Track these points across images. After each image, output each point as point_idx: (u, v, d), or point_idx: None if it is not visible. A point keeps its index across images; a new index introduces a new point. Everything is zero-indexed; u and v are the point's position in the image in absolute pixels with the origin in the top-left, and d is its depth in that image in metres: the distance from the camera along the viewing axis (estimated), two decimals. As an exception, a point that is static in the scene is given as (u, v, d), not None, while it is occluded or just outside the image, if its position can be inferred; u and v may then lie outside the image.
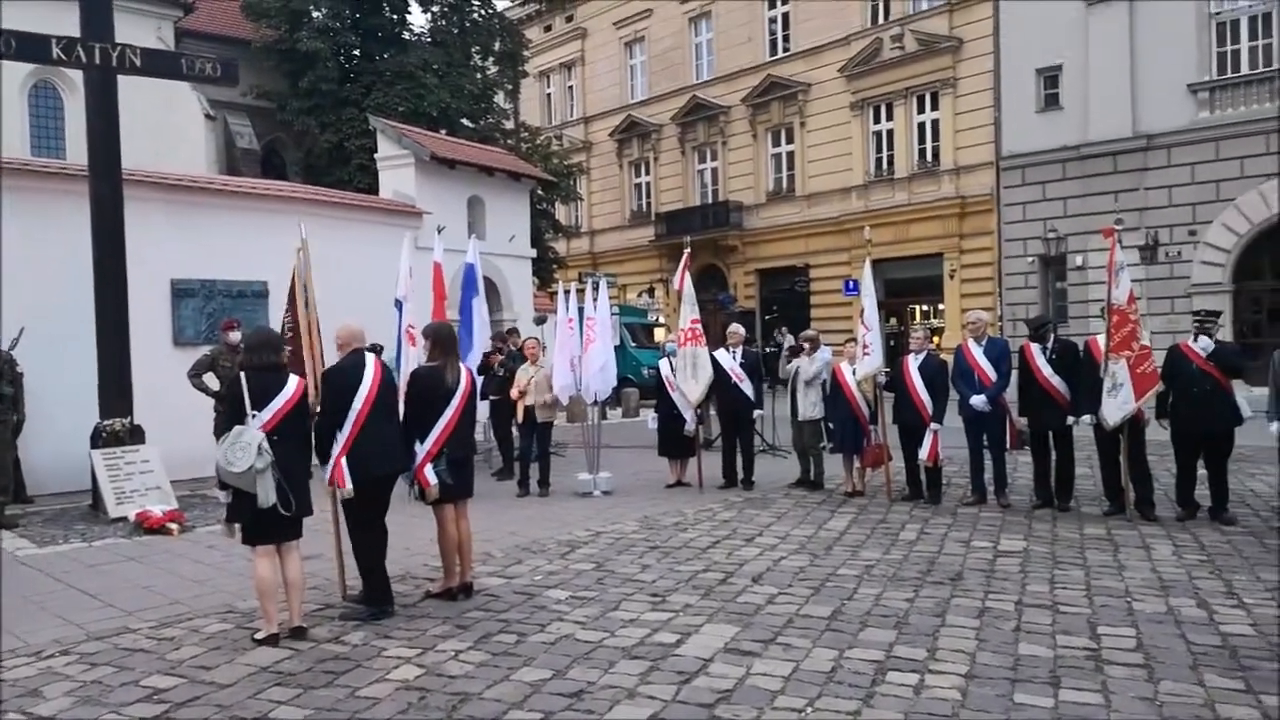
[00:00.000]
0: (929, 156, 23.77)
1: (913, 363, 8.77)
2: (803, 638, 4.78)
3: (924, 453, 8.63)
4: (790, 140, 26.93)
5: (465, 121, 21.97)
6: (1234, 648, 4.53)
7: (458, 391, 5.56)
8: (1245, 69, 18.58)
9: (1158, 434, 7.95)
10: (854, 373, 9.10)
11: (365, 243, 12.44)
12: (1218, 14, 18.87)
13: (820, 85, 25.64)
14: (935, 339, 22.09)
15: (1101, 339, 7.87)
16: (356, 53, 21.45)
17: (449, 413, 5.51)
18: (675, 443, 9.99)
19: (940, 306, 23.84)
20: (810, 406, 9.65)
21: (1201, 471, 7.77)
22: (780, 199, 27.15)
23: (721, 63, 28.43)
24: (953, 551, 6.72)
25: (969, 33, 22.47)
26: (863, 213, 23.89)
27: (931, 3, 23.43)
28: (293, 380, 5.00)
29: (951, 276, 23.19)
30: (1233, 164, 18.48)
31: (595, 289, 10.38)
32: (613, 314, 15.86)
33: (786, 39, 26.79)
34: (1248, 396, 7.73)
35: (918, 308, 24.89)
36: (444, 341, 5.75)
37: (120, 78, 8.95)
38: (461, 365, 5.77)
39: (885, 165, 24.64)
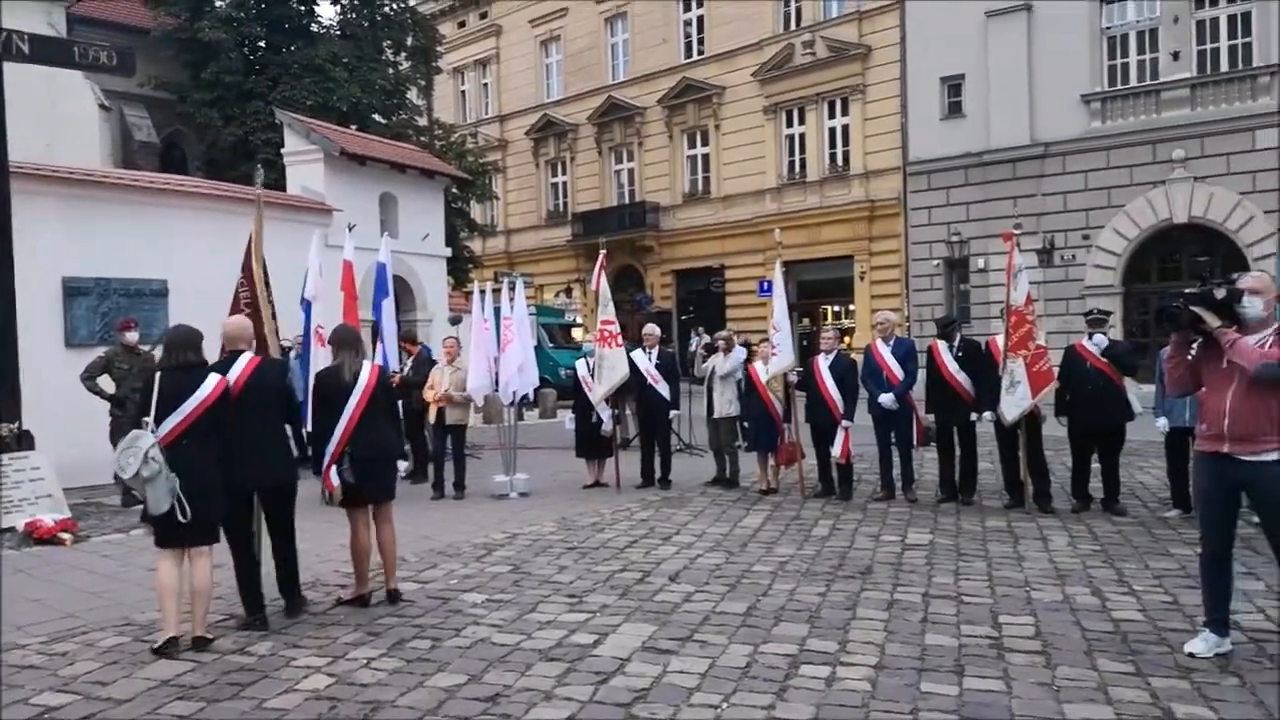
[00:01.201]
0: (840, 161, 24.33)
1: (823, 362, 8.97)
2: (718, 634, 4.83)
3: (836, 450, 8.83)
4: (706, 142, 27.21)
5: (377, 117, 21.51)
6: (1124, 633, 4.76)
7: (356, 389, 5.43)
8: (1134, 81, 19.57)
9: (1054, 429, 8.30)
10: (766, 372, 9.25)
11: (271, 240, 11.97)
12: (1108, 29, 19.82)
13: (735, 89, 25.98)
14: (846, 339, 22.72)
15: (1001, 339, 8.19)
16: (262, 44, 20.77)
17: (348, 411, 5.39)
18: (593, 443, 9.99)
19: (851, 307, 24.42)
20: (726, 405, 9.77)
21: (1095, 465, 8.16)
22: (696, 200, 27.41)
23: (637, 64, 28.56)
24: (863, 546, 6.89)
25: (877, 41, 23.08)
26: (776, 215, 24.31)
27: (841, 10, 23.99)
28: (210, 381, 4.81)
29: (861, 278, 23.78)
30: (1122, 172, 19.44)
31: (511, 289, 10.30)
32: (530, 314, 15.76)
33: (701, 42, 27.07)
34: (1137, 393, 8.14)
35: (829, 308, 25.44)
36: (340, 341, 5.67)
37: (7, 65, 8.47)
38: (367, 363, 5.62)
39: (798, 169, 25.12)
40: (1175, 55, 18.96)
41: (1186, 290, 4.51)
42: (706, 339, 12.57)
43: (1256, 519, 4.71)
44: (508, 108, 32.50)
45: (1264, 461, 4.21)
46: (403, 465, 5.88)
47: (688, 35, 27.49)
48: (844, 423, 8.76)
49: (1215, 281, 4.42)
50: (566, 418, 10.53)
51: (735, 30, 25.81)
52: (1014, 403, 7.96)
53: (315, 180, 13.90)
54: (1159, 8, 19.18)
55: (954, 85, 21.60)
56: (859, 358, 9.19)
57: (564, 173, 31.27)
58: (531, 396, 11.91)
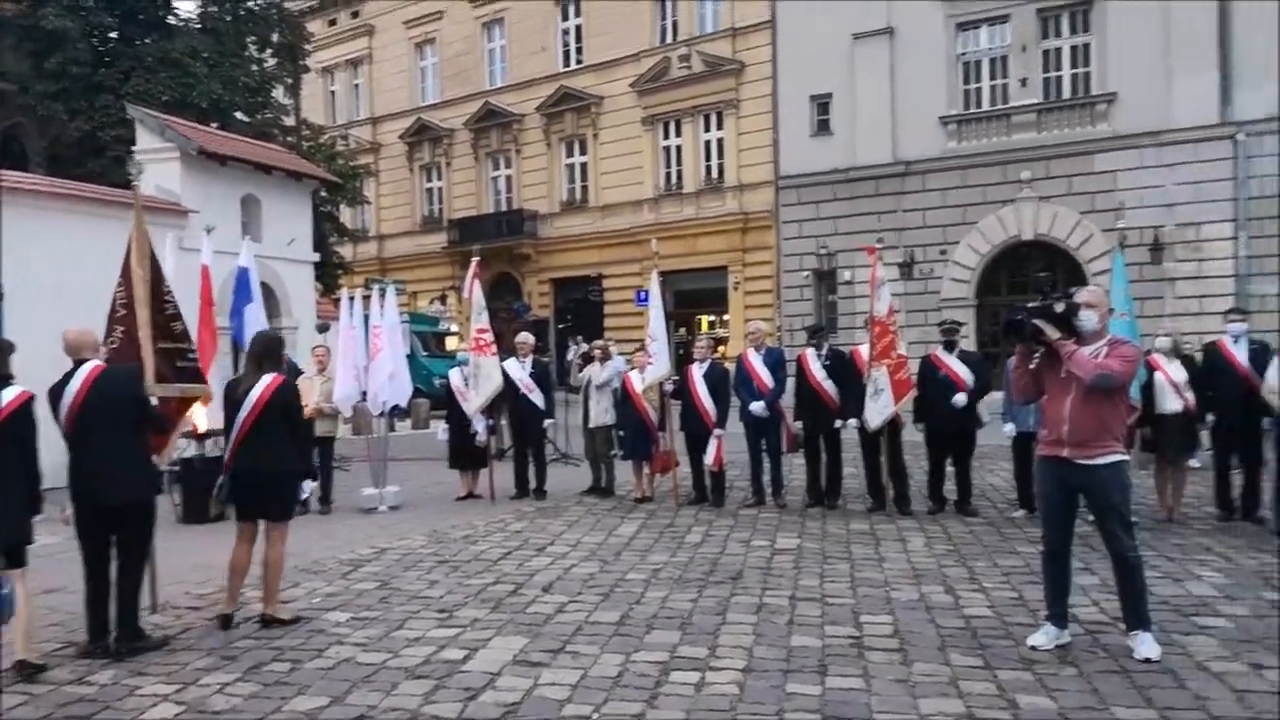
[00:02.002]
0: (715, 173, 24.82)
1: (697, 371, 9.12)
2: (591, 644, 4.82)
3: (709, 458, 8.99)
4: (584, 151, 27.27)
5: (240, 116, 20.58)
6: (975, 629, 5.01)
7: (246, 402, 5.26)
8: (986, 105, 20.76)
9: (912, 435, 8.69)
10: (641, 381, 9.33)
11: (119, 241, 11.36)
12: (963, 55, 20.97)
13: (613, 99, 26.15)
14: (721, 348, 23.14)
15: (865, 348, 8.53)
16: (114, 35, 19.56)
17: (237, 423, 5.27)
18: (467, 454, 9.83)
19: (726, 317, 24.91)
20: (602, 414, 9.80)
21: (950, 469, 8.58)
22: (574, 209, 27.42)
23: (515, 70, 28.37)
24: (734, 552, 7.02)
25: (750, 57, 23.69)
26: (654, 225, 24.55)
27: (716, 26, 24.51)
28: (7, 393, 4.46)
29: (736, 288, 24.31)
30: (976, 190, 20.57)
31: (382, 295, 10.03)
32: (403, 322, 15.39)
33: (580, 51, 27.14)
34: (985, 401, 8.60)
35: (705, 318, 25.89)
36: (253, 351, 5.62)
37: None
38: (267, 376, 5.37)
39: (675, 180, 25.49)
40: (1023, 82, 20.23)
41: (1029, 304, 4.80)
42: (584, 348, 12.59)
43: (1093, 518, 5.04)
44: (381, 110, 31.70)
45: (1098, 465, 4.52)
46: (307, 485, 5.67)
47: (566, 44, 27.51)
48: (717, 431, 8.92)
49: (1055, 296, 4.72)
50: (440, 428, 10.32)
51: (613, 41, 26.00)
52: (878, 410, 8.30)
53: (171, 180, 13.18)
54: (1009, 36, 20.43)
55: (822, 104, 22.37)
56: (733, 366, 9.38)
57: (439, 178, 30.72)
58: (404, 406, 11.63)
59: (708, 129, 24.89)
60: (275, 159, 15.56)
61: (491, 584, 6.14)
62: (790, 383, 9.02)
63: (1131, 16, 18.82)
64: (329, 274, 22.28)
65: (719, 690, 4.15)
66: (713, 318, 25.77)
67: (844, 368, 8.74)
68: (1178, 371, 7.79)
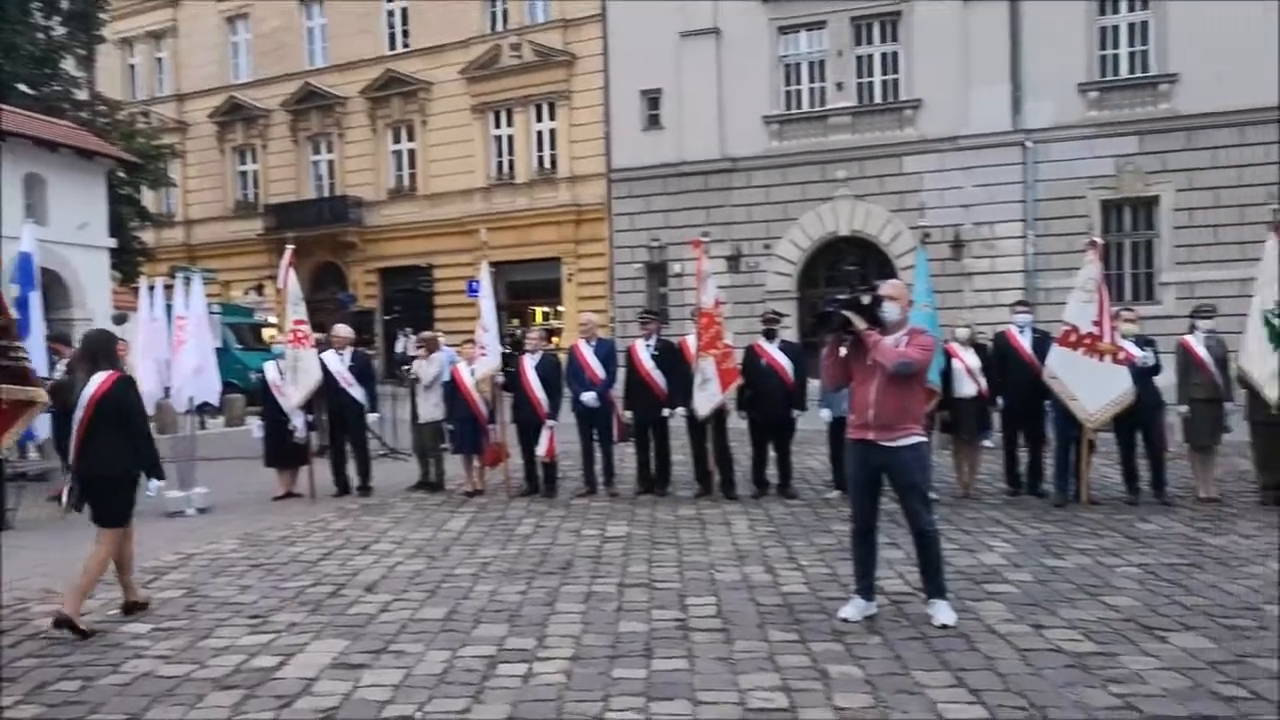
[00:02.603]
0: (547, 164, 24.73)
1: (529, 362, 9.06)
2: (416, 642, 4.71)
3: (541, 449, 8.96)
4: (412, 137, 26.50)
5: (23, 87, 18.72)
6: (791, 605, 5.25)
7: (80, 403, 5.05)
8: (806, 107, 21.71)
9: (737, 422, 8.98)
10: (472, 373, 9.19)
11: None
12: (784, 57, 21.83)
13: (442, 85, 25.55)
14: (554, 339, 23.13)
15: (692, 339, 8.74)
16: None
17: (74, 425, 5.07)
18: (284, 452, 9.36)
19: (560, 308, 24.91)
20: (431, 408, 9.58)
21: (772, 454, 8.93)
22: (402, 197, 26.62)
23: (337, 51, 27.18)
24: (564, 542, 7.04)
25: (581, 50, 23.74)
26: (485, 215, 24.22)
27: (547, 16, 24.39)
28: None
29: (569, 280, 24.35)
30: (797, 188, 21.51)
31: (188, 284, 9.38)
32: (213, 313, 14.46)
33: (406, 34, 26.32)
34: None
35: (539, 309, 25.80)
36: (84, 349, 5.38)
37: None
38: (101, 374, 5.12)
39: (506, 169, 25.22)
40: (839, 86, 21.29)
41: (839, 296, 5.06)
42: (415, 339, 12.25)
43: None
44: (188, 87, 29.57)
45: (900, 446, 4.83)
46: (153, 484, 5.28)
47: (391, 27, 26.59)
48: (549, 421, 8.91)
49: (861, 289, 5.00)
50: (255, 425, 9.78)
51: (441, 26, 25.37)
52: (705, 398, 8.52)
53: (-63, 154, 11.83)
54: (826, 41, 21.43)
55: (653, 99, 22.72)
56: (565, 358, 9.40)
57: (254, 161, 29.03)
58: (215, 403, 10.93)
59: (539, 119, 24.76)
60: (64, 135, 14.26)
61: (310, 586, 5.88)
62: (621, 373, 9.13)
63: (934, 28, 20.19)
64: (128, 261, 20.67)
65: (546, 680, 4.15)
66: (546, 309, 25.71)
67: (672, 358, 8.92)
68: (972, 359, 8.44)
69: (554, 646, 4.60)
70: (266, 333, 22.35)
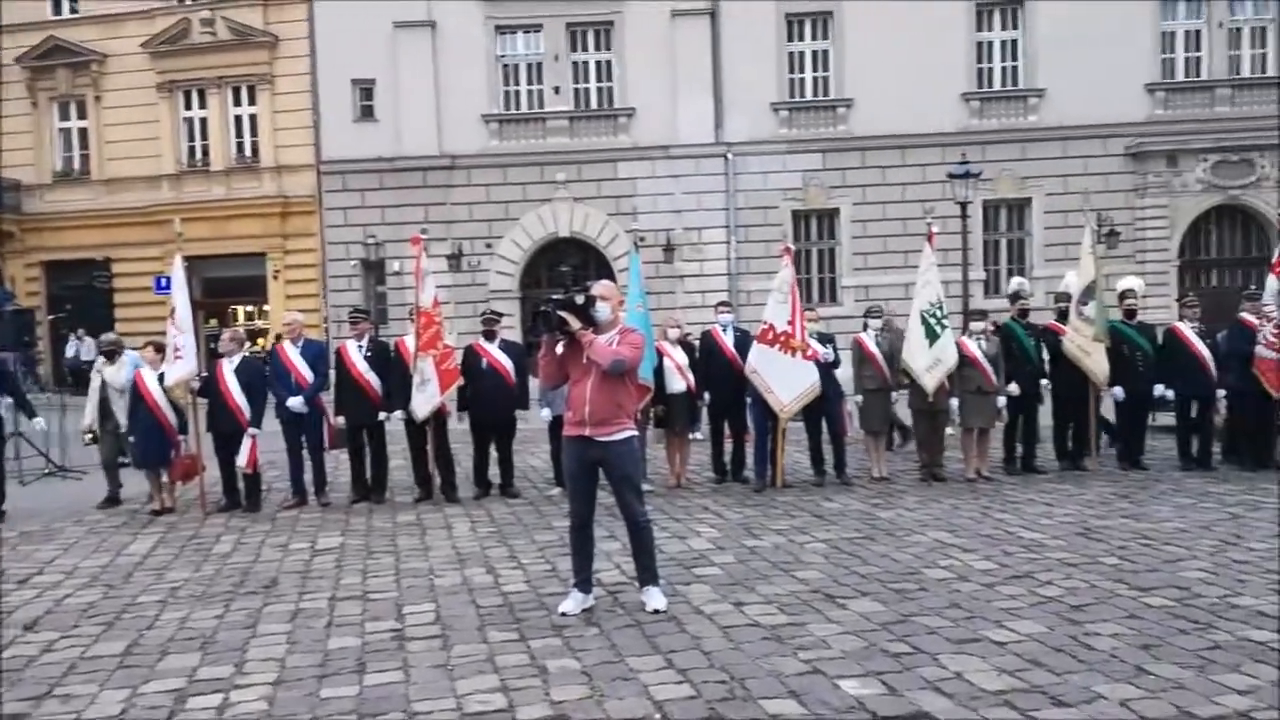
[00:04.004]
0: (249, 151, 22.94)
1: (227, 367, 8.37)
2: (88, 683, 4.17)
3: (242, 459, 8.30)
4: (83, 115, 23.45)
5: None
6: (512, 604, 5.25)
7: None
8: (524, 108, 21.84)
9: (457, 423, 8.85)
10: (160, 379, 8.33)
11: None
12: (502, 56, 21.82)
13: (120, 58, 22.83)
14: (260, 340, 21.56)
15: (410, 339, 8.49)
16: None
17: None
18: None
19: (265, 307, 23.23)
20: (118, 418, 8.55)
21: (495, 454, 8.88)
22: (73, 181, 23.50)
23: (-14, 10, 23.46)
24: (269, 558, 6.57)
25: (285, 31, 22.24)
26: (176, 204, 21.95)
27: (246, -8, 22.61)
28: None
29: (275, 277, 22.76)
30: (518, 188, 21.59)
31: None
32: None
33: (75, -2, 23.28)
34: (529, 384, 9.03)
35: (240, 308, 23.91)
36: None
37: None
38: None
39: (200, 155, 23.07)
40: (556, 90, 21.64)
41: (553, 296, 5.14)
42: (90, 342, 10.88)
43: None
44: None
45: (614, 440, 4.99)
46: None
47: (57, -13, 23.42)
48: (251, 430, 8.28)
49: (575, 290, 5.11)
50: None
51: (119, -9, 22.70)
52: (425, 400, 8.32)
53: None
54: (543, 44, 21.69)
55: (366, 88, 21.80)
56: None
57: (-124, 132, 24.34)
58: None
59: (238, 103, 22.88)
60: None
61: (-50, 631, 5.03)
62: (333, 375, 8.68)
63: (645, 39, 21.11)
64: None
65: (245, 709, 3.84)
66: (249, 308, 23.88)
67: (387, 358, 8.62)
68: (681, 356, 8.92)
69: (255, 672, 4.27)
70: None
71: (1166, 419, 9.86)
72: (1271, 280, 9.00)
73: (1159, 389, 9.12)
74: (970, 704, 3.68)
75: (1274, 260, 9.25)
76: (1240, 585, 5.19)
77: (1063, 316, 9.39)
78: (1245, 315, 9.11)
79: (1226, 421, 9.36)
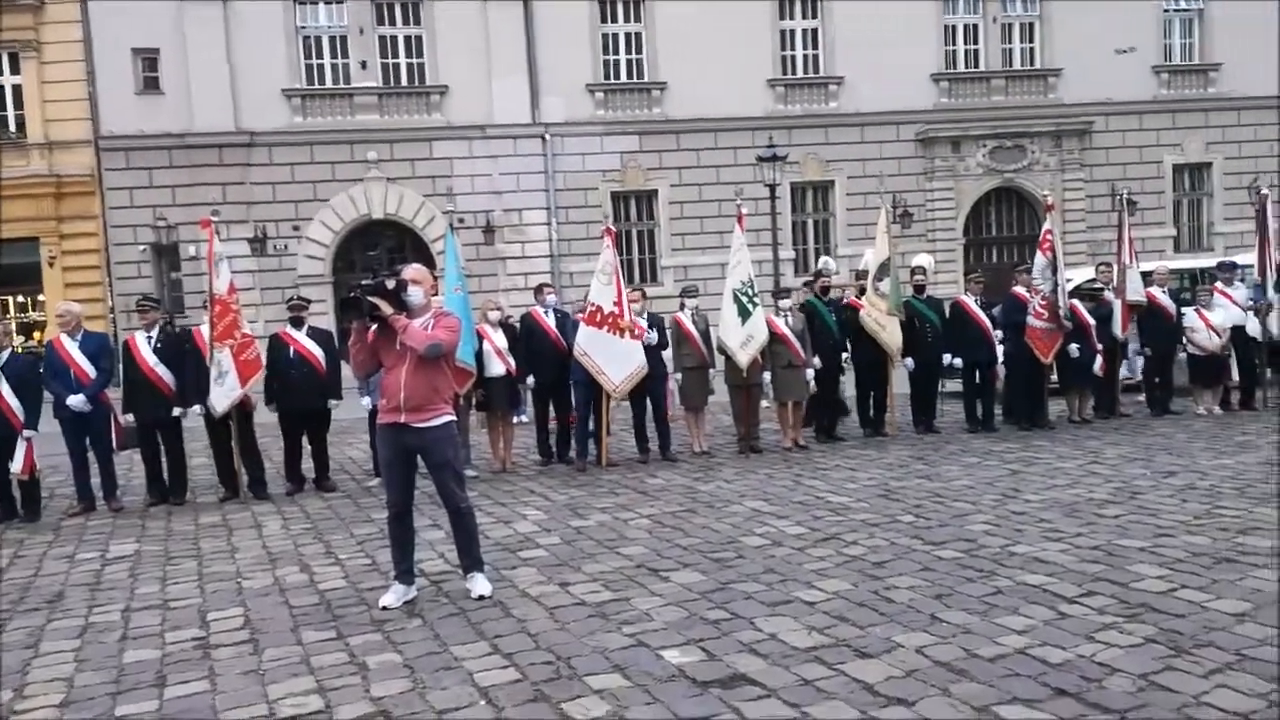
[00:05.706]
0: (14, 126, 20.65)
1: (-6, 365, 7.54)
2: None
3: (17, 465, 7.54)
4: None
5: None
6: (329, 602, 5.04)
7: None
8: (329, 83, 20.81)
9: (267, 415, 8.40)
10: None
11: None
12: (303, 28, 20.68)
13: None
14: (36, 335, 19.60)
15: (205, 329, 7.96)
16: None
17: None
18: None
19: (41, 298, 21.08)
20: None
21: (307, 447, 8.48)
22: None
23: None
24: (53, 570, 6.01)
25: (53, -7, 20.15)
26: (-76, 184, 19.53)
27: (3, -52, 20.28)
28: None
29: (51, 264, 20.67)
30: (326, 167, 20.55)
31: None
32: None
33: None
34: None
35: (12, 299, 21.59)
36: None
37: None
38: None
39: (-47, 129, 20.57)
40: (363, 64, 20.74)
41: (364, 282, 4.94)
42: None
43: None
44: None
45: (431, 426, 4.88)
46: None
47: None
48: (26, 432, 7.53)
49: (385, 274, 4.93)
50: None
51: None
52: (224, 393, 7.84)
53: None
54: (346, 17, 20.73)
55: (149, 59, 20.07)
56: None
57: None
58: None
59: (0, 73, 20.58)
60: None
61: None
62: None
63: (455, 16, 20.59)
64: None
65: (24, 738, 3.51)
66: (22, 298, 21.60)
67: (180, 350, 8.05)
68: (501, 339, 8.82)
69: (37, 694, 3.91)
70: None
71: (955, 385, 10.73)
72: (1039, 257, 9.93)
73: (947, 357, 9.89)
74: (783, 662, 3.88)
75: (1040, 238, 10.21)
76: (1018, 535, 5.74)
77: (861, 293, 10.00)
78: (1018, 289, 10.04)
79: (1005, 385, 10.30)
